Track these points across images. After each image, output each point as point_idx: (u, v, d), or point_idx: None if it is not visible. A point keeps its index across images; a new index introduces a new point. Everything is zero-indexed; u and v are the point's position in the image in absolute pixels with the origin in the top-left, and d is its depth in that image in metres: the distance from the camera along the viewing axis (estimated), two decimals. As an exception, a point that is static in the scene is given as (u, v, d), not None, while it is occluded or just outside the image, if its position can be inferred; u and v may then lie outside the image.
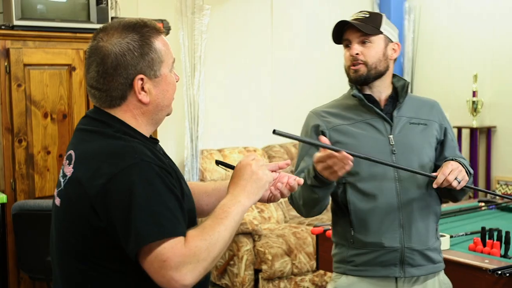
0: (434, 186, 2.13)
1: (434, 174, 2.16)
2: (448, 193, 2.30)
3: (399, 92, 2.33)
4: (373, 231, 2.20)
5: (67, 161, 1.65)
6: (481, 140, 5.61)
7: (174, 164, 1.74)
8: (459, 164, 2.17)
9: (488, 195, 5.43)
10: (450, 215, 3.63)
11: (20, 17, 3.70)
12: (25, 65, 3.72)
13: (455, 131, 5.67)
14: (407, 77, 6.19)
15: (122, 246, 1.51)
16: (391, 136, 2.24)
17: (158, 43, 1.65)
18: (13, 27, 3.70)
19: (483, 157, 5.61)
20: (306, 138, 2.20)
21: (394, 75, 2.37)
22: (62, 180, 1.65)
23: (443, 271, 2.37)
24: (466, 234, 3.15)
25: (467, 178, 2.17)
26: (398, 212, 2.20)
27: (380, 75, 2.28)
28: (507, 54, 5.44)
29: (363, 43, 2.25)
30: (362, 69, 2.25)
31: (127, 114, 1.65)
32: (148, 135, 1.71)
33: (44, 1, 3.84)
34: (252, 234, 4.58)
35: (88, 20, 3.94)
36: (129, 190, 1.49)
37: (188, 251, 1.48)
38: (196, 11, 4.99)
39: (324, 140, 1.96)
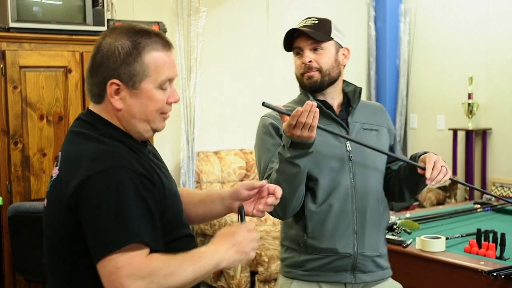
0: (427, 182, 2.14)
1: (421, 165, 2.17)
2: (411, 185, 2.31)
3: (351, 97, 2.34)
4: (327, 237, 2.20)
5: (56, 163, 1.68)
6: (477, 142, 5.62)
7: (163, 166, 1.73)
8: (439, 157, 2.18)
9: (484, 197, 5.44)
10: (446, 217, 3.64)
11: (16, 19, 3.69)
12: (21, 67, 3.72)
13: (451, 133, 5.68)
14: (402, 79, 6.21)
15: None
16: (347, 142, 2.25)
17: (151, 56, 1.62)
18: (9, 29, 3.70)
19: (479, 159, 5.62)
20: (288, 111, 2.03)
21: (343, 81, 2.37)
22: (50, 182, 1.68)
23: (390, 277, 2.39)
24: (461, 236, 3.15)
25: (450, 172, 2.18)
26: (353, 219, 2.22)
27: (333, 81, 2.29)
28: (502, 56, 5.46)
29: (314, 50, 2.25)
30: (316, 75, 2.25)
31: (109, 114, 1.66)
32: (138, 138, 1.69)
33: (40, 3, 3.84)
34: (248, 236, 4.57)
35: (84, 22, 3.93)
36: (99, 195, 1.50)
37: (146, 267, 1.47)
38: (192, 13, 4.99)
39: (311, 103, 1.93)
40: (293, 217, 2.25)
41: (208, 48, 5.20)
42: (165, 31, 4.29)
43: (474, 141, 5.58)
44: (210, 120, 5.33)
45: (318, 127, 1.98)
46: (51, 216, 1.63)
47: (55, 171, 1.66)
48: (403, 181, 2.34)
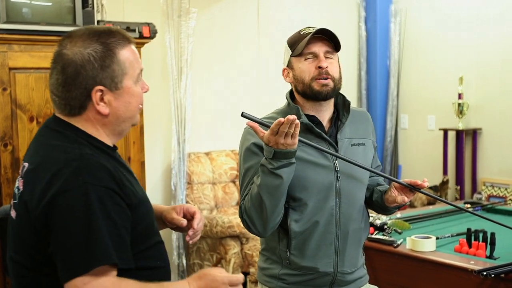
0: (423, 187, 2.17)
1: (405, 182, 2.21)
2: (383, 208, 2.37)
3: (340, 111, 2.29)
4: (309, 256, 2.21)
5: (21, 173, 1.64)
6: (467, 142, 5.64)
7: (132, 172, 1.71)
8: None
9: (474, 196, 5.46)
10: (436, 217, 3.65)
11: (5, 20, 3.67)
12: (10, 68, 3.70)
13: (441, 133, 5.70)
14: (393, 80, 6.22)
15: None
16: (336, 161, 2.21)
17: (123, 54, 1.62)
18: (-2, 31, 3.68)
19: (469, 159, 5.65)
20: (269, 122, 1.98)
21: None
22: (17, 193, 1.63)
23: (368, 283, 2.42)
24: (452, 236, 3.17)
25: None
26: (335, 240, 2.22)
27: (337, 93, 2.26)
28: (493, 57, 5.48)
29: (327, 58, 2.20)
30: (331, 84, 2.19)
31: (88, 123, 1.63)
32: (111, 144, 1.67)
33: (29, 5, 3.82)
34: (239, 237, 4.58)
35: (74, 23, 3.92)
36: (65, 217, 1.47)
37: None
38: (182, 14, 4.99)
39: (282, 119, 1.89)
40: (277, 232, 2.22)
41: (198, 49, 5.20)
42: (155, 32, 4.28)
43: (465, 141, 5.60)
44: (201, 121, 5.32)
45: (300, 140, 1.97)
46: (20, 228, 1.60)
47: (20, 183, 1.61)
48: (375, 205, 2.38)
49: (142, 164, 4.29)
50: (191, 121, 5.11)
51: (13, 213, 1.64)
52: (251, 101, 5.63)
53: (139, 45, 4.25)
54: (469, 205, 3.95)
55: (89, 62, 1.57)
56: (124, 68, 1.61)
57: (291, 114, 1.93)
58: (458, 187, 5.60)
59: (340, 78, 2.23)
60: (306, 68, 2.21)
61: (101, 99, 1.60)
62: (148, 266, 1.64)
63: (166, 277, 1.72)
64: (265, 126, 1.92)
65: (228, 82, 5.53)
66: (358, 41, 6.33)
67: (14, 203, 1.65)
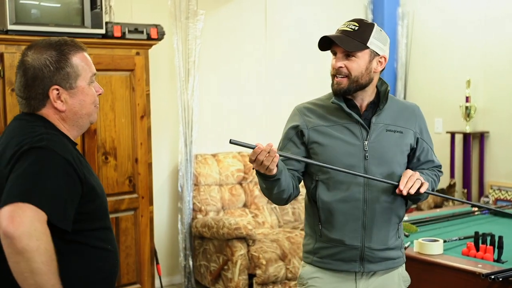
0: (397, 192, 2.24)
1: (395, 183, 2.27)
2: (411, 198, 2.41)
3: (381, 97, 2.38)
4: (337, 228, 2.31)
5: None
6: (474, 145, 5.63)
7: (86, 162, 1.94)
8: (415, 172, 2.28)
9: (482, 199, 5.45)
10: (444, 220, 3.65)
11: (14, 22, 3.69)
12: (19, 69, 3.72)
13: (449, 136, 5.69)
14: (400, 82, 6.22)
15: None
16: (366, 142, 2.31)
17: (76, 59, 1.90)
18: (7, 32, 3.69)
19: (476, 162, 5.63)
20: (253, 145, 2.14)
21: (379, 78, 2.40)
22: None
23: (403, 265, 2.46)
24: (459, 239, 3.16)
25: (426, 184, 2.26)
26: (363, 215, 2.30)
27: (361, 87, 2.32)
28: (500, 60, 5.47)
29: (347, 55, 2.28)
30: (344, 82, 2.30)
31: (49, 117, 1.90)
32: (74, 138, 1.94)
33: (38, 6, 3.84)
34: (246, 239, 4.58)
35: (82, 25, 3.94)
36: (24, 165, 1.70)
37: (42, 224, 1.64)
38: (190, 16, 5.00)
39: (260, 145, 2.07)
40: (310, 206, 2.40)
41: (206, 51, 5.21)
42: (163, 34, 4.29)
43: (472, 144, 5.59)
44: (208, 123, 5.33)
45: (281, 154, 2.14)
46: None
47: None
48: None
49: (149, 165, 4.30)
50: (198, 123, 5.12)
51: None
52: (258, 102, 5.63)
53: (147, 47, 4.26)
54: (476, 208, 3.94)
55: (46, 65, 1.86)
56: (77, 70, 1.89)
57: (328, 103, 2.34)
58: (465, 191, 5.59)
59: (363, 74, 2.29)
60: (331, 64, 2.34)
61: (58, 98, 1.88)
62: (100, 246, 1.88)
63: (116, 261, 1.96)
64: (251, 148, 2.08)
65: (235, 84, 5.54)
66: (365, 44, 6.31)
67: None
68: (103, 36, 4.05)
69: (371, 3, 6.30)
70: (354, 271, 2.33)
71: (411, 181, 2.23)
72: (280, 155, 2.12)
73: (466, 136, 5.58)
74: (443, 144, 5.82)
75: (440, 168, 2.50)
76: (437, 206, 5.47)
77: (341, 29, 2.30)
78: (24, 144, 1.75)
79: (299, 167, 2.36)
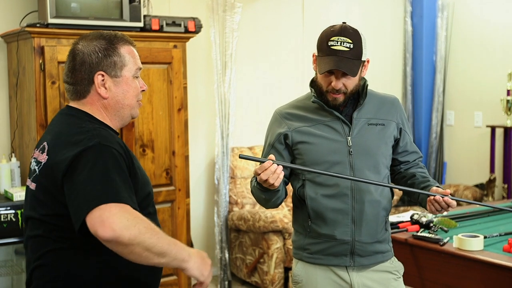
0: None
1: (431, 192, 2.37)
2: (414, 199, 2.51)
3: (360, 92, 2.41)
4: (327, 223, 2.36)
5: (40, 152, 1.90)
6: (515, 139, 5.52)
7: (132, 156, 1.94)
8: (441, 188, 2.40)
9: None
10: (484, 216, 3.59)
11: (54, 15, 3.75)
12: (59, 62, 3.77)
13: (489, 130, 5.59)
14: (439, 75, 6.12)
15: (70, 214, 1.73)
16: (349, 137, 2.36)
17: (124, 50, 1.94)
18: (47, 25, 3.75)
19: (517, 157, 5.52)
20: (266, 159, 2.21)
21: None
22: (36, 167, 1.89)
23: (393, 258, 2.49)
24: (500, 235, 3.11)
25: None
26: (352, 210, 2.35)
27: (353, 95, 2.38)
28: (543, 52, 5.35)
29: (345, 74, 2.29)
30: (341, 98, 2.33)
31: (93, 106, 1.93)
32: (116, 128, 1.97)
33: (78, 0, 3.89)
34: (282, 232, 4.58)
35: (121, 18, 3.98)
36: (85, 169, 1.72)
37: (129, 211, 1.68)
38: (227, 9, 5.00)
39: (272, 157, 2.16)
40: (298, 204, 2.44)
41: (243, 44, 5.21)
42: (200, 26, 4.31)
43: (513, 139, 5.48)
44: (244, 116, 5.33)
45: (280, 164, 2.17)
46: (43, 196, 1.83)
47: (42, 157, 1.87)
48: (410, 195, 2.51)
49: (186, 158, 4.32)
50: (235, 116, 5.12)
51: (32, 186, 1.89)
52: (295, 96, 5.60)
53: (185, 40, 4.28)
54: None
55: (95, 51, 1.90)
56: (123, 60, 1.93)
57: (309, 100, 2.39)
58: (506, 186, 5.49)
59: (357, 85, 2.35)
60: (321, 79, 2.35)
61: (103, 84, 1.91)
62: None
63: None
64: (260, 162, 2.16)
65: (272, 77, 5.53)
66: (404, 36, 6.24)
67: (34, 177, 1.89)
68: (141, 29, 4.08)
69: (410, -5, 6.22)
70: (345, 266, 2.37)
71: (438, 205, 2.38)
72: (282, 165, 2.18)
73: (507, 130, 5.48)
74: (483, 138, 5.72)
75: (421, 158, 2.56)
76: (476, 200, 5.38)
77: (336, 48, 2.26)
78: (77, 145, 1.77)
79: (287, 172, 2.41)
